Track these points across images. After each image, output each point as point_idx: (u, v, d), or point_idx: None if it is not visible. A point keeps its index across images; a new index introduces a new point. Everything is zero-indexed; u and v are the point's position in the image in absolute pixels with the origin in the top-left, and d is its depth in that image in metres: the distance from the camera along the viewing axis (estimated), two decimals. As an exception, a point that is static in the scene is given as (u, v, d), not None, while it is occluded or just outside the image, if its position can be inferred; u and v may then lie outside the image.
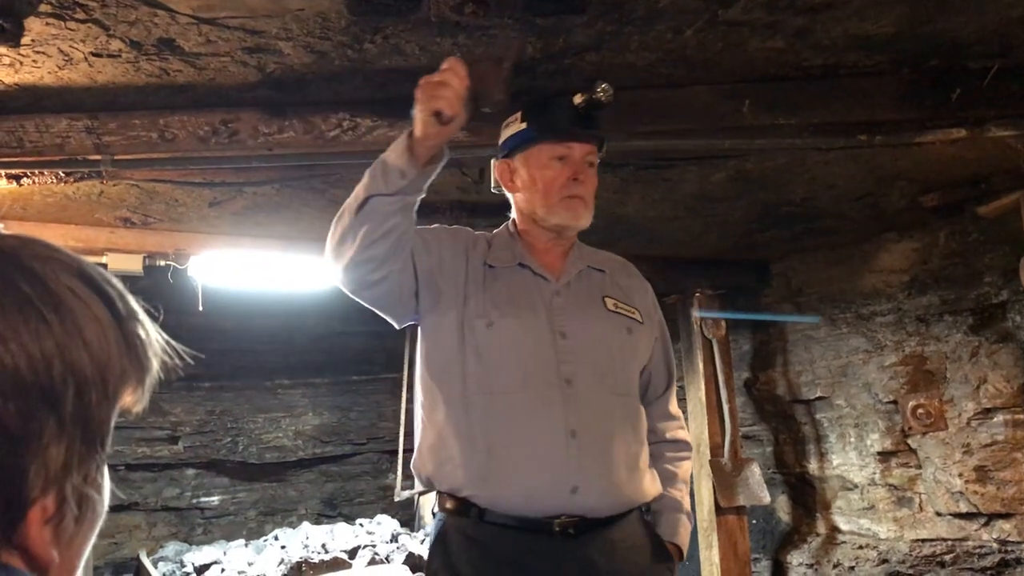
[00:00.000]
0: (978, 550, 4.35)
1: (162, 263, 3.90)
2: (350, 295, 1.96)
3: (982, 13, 2.43)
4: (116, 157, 2.78)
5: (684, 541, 2.16)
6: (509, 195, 2.23)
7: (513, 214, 2.25)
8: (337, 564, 4.06)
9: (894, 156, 3.41)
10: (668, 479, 2.19)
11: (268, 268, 4.15)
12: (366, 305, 2.00)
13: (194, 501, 5.56)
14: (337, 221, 1.89)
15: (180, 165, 2.96)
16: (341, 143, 2.82)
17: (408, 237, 1.91)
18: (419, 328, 2.12)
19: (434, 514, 2.08)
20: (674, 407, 2.32)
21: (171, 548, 4.80)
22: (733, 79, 2.79)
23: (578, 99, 2.04)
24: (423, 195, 1.91)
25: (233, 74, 2.55)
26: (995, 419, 4.23)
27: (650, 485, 2.11)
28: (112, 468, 0.72)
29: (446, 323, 2.03)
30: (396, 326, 2.13)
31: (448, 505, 1.99)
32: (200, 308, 3.91)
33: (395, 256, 1.89)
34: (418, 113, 1.77)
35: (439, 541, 2.00)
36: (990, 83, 2.81)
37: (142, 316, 0.71)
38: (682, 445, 2.29)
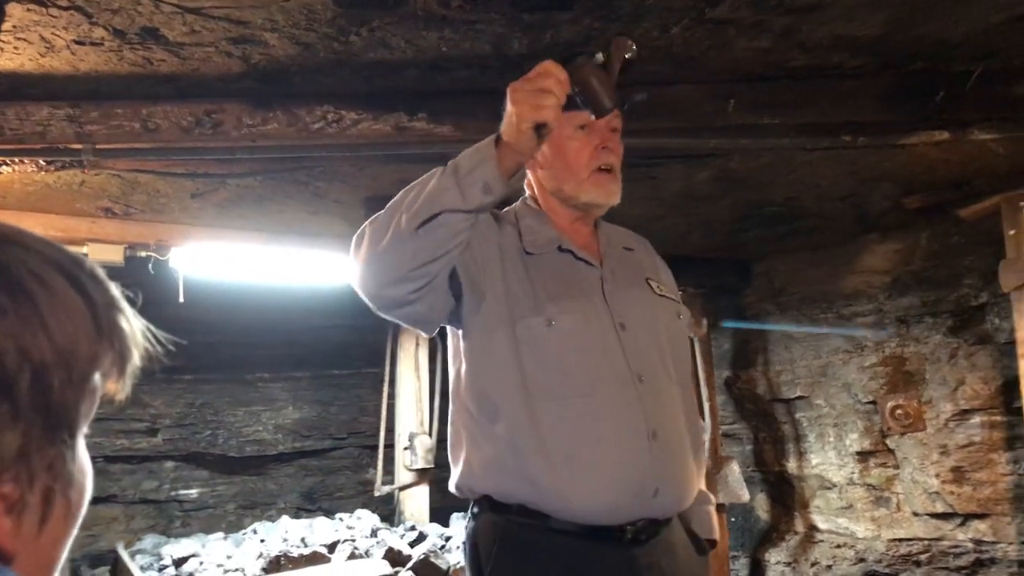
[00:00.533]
0: (953, 550, 4.39)
1: (143, 254, 3.88)
2: (380, 312, 1.70)
3: (965, 17, 2.44)
4: (98, 146, 2.75)
5: (714, 534, 2.02)
6: (528, 173, 2.01)
7: (527, 191, 2.05)
8: (316, 558, 4.04)
9: (878, 157, 3.43)
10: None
11: (250, 260, 4.13)
12: (394, 319, 1.76)
13: (173, 494, 5.53)
14: (379, 231, 1.60)
15: (163, 156, 2.94)
16: (325, 135, 2.81)
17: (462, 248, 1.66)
18: (459, 334, 1.89)
19: (474, 515, 1.87)
20: (690, 394, 2.11)
21: (149, 541, 4.77)
22: (719, 78, 2.79)
23: (601, 58, 1.66)
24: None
25: (217, 65, 2.53)
26: (972, 420, 4.27)
27: (702, 479, 2.01)
28: (91, 459, 0.71)
29: (493, 325, 1.81)
30: (427, 335, 2.00)
31: (510, 514, 1.79)
32: (181, 300, 3.88)
33: (445, 271, 1.65)
34: (516, 123, 1.52)
35: (504, 548, 1.79)
36: (973, 87, 2.82)
37: (122, 304, 0.70)
38: (698, 432, 2.07)
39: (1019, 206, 3.59)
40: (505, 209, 2.00)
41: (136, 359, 0.70)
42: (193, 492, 5.60)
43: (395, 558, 4.01)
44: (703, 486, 2.01)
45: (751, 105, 2.84)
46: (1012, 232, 3.79)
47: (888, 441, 4.65)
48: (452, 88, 2.77)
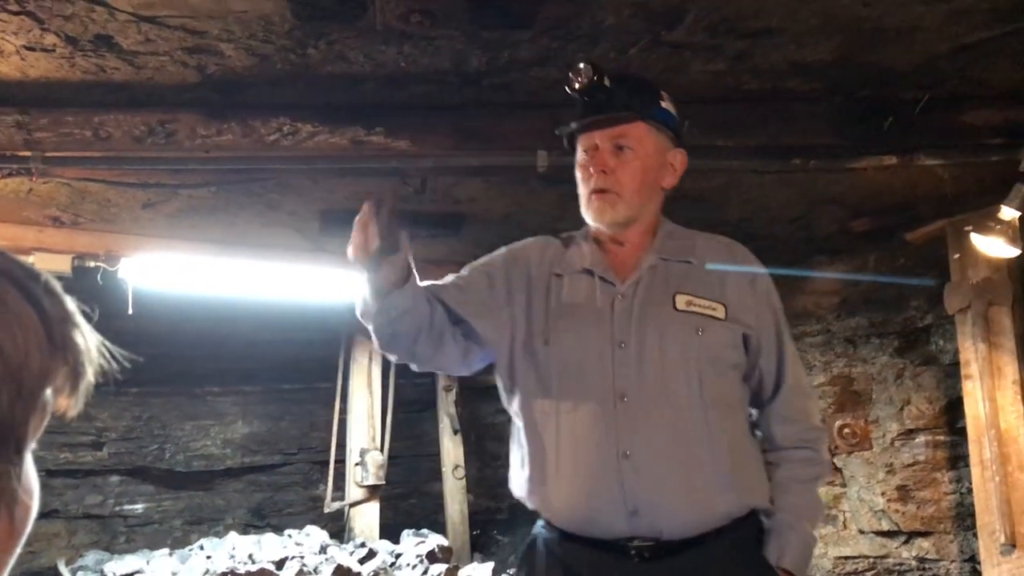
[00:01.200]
0: (898, 567, 4.46)
1: (92, 264, 3.80)
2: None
3: (913, 46, 2.51)
4: (47, 154, 2.71)
5: (795, 563, 1.89)
6: None
7: None
8: (264, 575, 3.99)
9: (827, 181, 3.49)
10: (782, 493, 1.96)
11: (201, 272, 4.08)
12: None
13: (117, 509, 5.40)
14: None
15: (114, 165, 2.90)
16: (281, 148, 2.79)
17: (434, 317, 1.90)
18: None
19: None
20: (791, 409, 2.02)
21: (91, 557, 4.66)
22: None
23: (574, 87, 1.87)
24: (412, 279, 1.86)
25: (172, 74, 2.51)
26: (917, 440, 4.35)
27: (742, 501, 1.89)
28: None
29: (516, 348, 1.97)
30: (468, 374, 2.13)
31: (540, 521, 1.98)
32: (130, 311, 3.82)
33: (445, 325, 1.93)
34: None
35: (527, 554, 1.98)
36: (920, 113, 2.90)
37: (78, 318, 0.68)
38: (802, 453, 2.00)
39: (963, 230, 3.67)
40: (578, 232, 2.08)
41: (90, 375, 0.69)
42: (138, 507, 5.49)
43: (344, 575, 3.97)
44: (793, 512, 1.93)
45: (705, 127, 2.88)
46: (956, 256, 3.88)
47: (836, 460, 4.71)
48: (410, 103, 2.78)
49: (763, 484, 1.96)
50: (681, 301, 1.92)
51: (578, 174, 1.96)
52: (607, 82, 1.88)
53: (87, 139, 2.69)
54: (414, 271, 1.87)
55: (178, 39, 2.29)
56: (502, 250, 2.08)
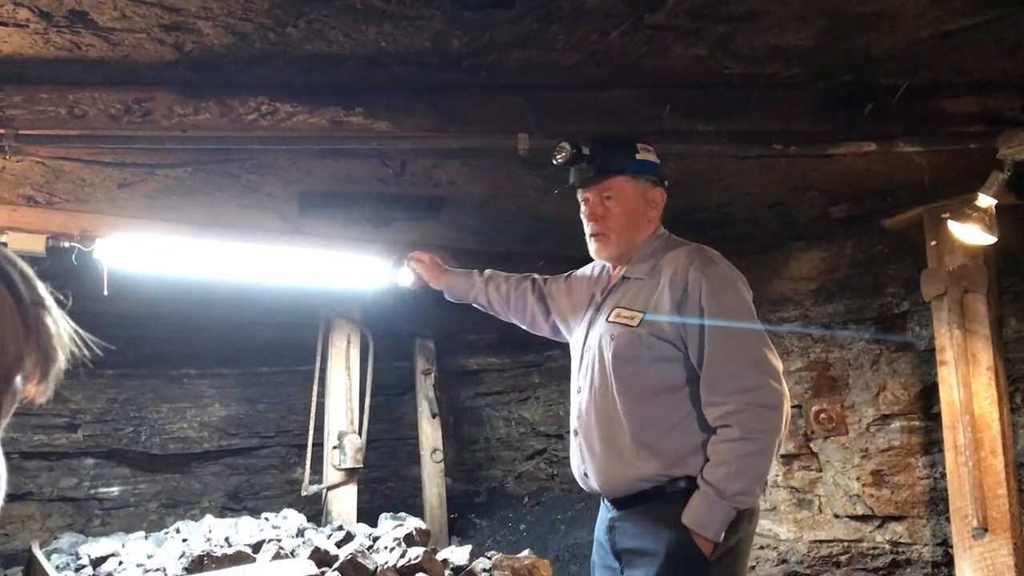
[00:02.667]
0: (872, 551, 4.51)
1: (66, 245, 3.76)
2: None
3: (894, 32, 2.51)
4: (20, 132, 2.66)
5: (696, 520, 2.25)
6: None
7: None
8: (240, 558, 3.97)
9: (807, 167, 3.50)
10: (705, 464, 2.29)
11: (177, 254, 4.04)
12: None
13: (92, 492, 5.37)
14: None
15: (89, 143, 2.85)
16: (259, 128, 2.76)
17: (512, 300, 2.94)
18: None
19: None
20: (713, 393, 2.30)
21: (66, 540, 4.62)
22: (655, 83, 2.83)
23: (556, 162, 2.57)
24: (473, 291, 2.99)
25: (149, 52, 2.47)
26: (892, 425, 4.39)
27: (654, 471, 2.33)
28: (5, 456, 0.67)
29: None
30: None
31: None
32: (105, 292, 3.78)
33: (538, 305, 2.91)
34: None
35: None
36: (900, 100, 2.91)
37: (49, 303, 0.67)
38: (724, 431, 2.27)
39: (940, 218, 3.70)
40: None
41: (61, 362, 0.67)
42: (114, 490, 5.45)
43: (321, 558, 3.96)
44: (707, 479, 2.27)
45: (686, 111, 2.88)
46: (933, 243, 3.91)
47: (812, 445, 4.75)
48: (390, 83, 2.75)
49: (687, 457, 2.32)
50: (613, 313, 2.47)
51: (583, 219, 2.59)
52: (586, 151, 2.50)
53: (62, 117, 2.65)
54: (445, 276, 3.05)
55: (155, 16, 2.25)
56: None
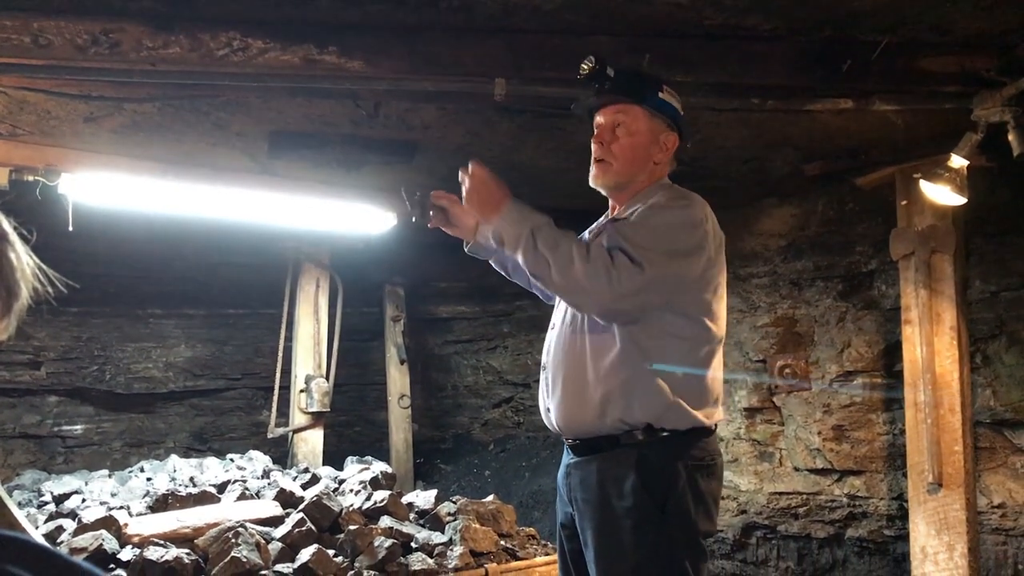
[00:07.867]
0: (829, 504, 4.60)
1: (31, 178, 3.68)
2: None
3: (877, -14, 2.49)
4: (-18, 60, 2.59)
5: (484, 213, 2.35)
6: None
7: None
8: (205, 498, 3.97)
9: (783, 122, 3.49)
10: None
11: (145, 191, 3.97)
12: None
13: (55, 429, 5.33)
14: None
15: (55, 74, 2.77)
16: (230, 63, 2.70)
17: None
18: None
19: None
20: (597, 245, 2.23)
21: (28, 476, 4.60)
22: (636, 31, 2.79)
23: (579, 75, 2.35)
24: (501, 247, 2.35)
25: (116, -20, 2.40)
26: (855, 381, 4.45)
27: (613, 416, 2.23)
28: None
29: None
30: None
31: None
32: (71, 228, 3.71)
33: None
34: None
35: None
36: (878, 58, 2.89)
37: (12, 237, 0.65)
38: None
39: (912, 177, 3.72)
40: None
41: (24, 297, 0.65)
42: (77, 428, 5.42)
43: (287, 499, 3.97)
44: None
45: (665, 61, 2.85)
46: (904, 203, 3.93)
47: (775, 399, 4.81)
48: (365, 22, 2.70)
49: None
50: None
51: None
52: (610, 72, 2.32)
53: (26, 46, 2.57)
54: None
55: (123, -58, 2.18)
56: None
